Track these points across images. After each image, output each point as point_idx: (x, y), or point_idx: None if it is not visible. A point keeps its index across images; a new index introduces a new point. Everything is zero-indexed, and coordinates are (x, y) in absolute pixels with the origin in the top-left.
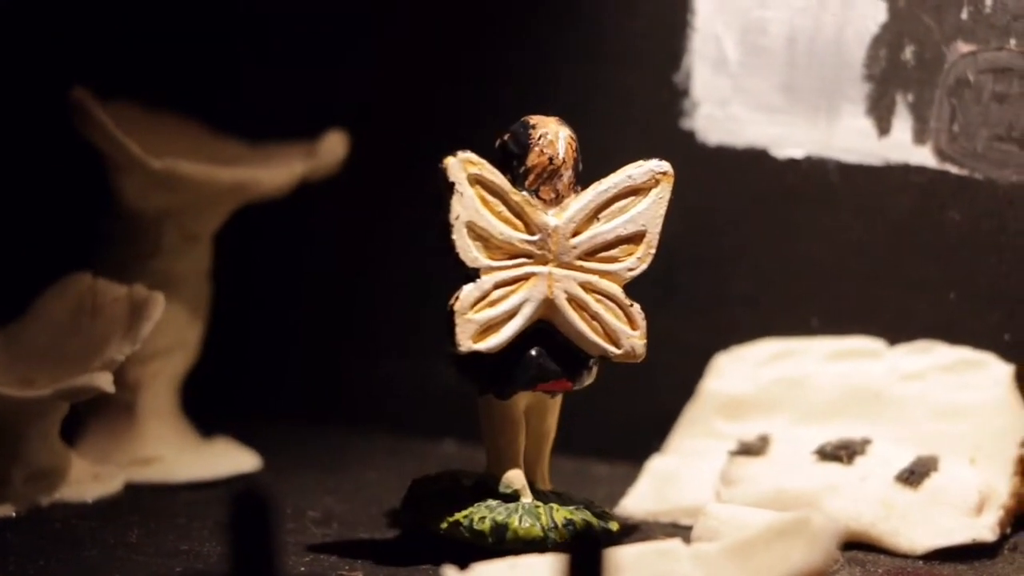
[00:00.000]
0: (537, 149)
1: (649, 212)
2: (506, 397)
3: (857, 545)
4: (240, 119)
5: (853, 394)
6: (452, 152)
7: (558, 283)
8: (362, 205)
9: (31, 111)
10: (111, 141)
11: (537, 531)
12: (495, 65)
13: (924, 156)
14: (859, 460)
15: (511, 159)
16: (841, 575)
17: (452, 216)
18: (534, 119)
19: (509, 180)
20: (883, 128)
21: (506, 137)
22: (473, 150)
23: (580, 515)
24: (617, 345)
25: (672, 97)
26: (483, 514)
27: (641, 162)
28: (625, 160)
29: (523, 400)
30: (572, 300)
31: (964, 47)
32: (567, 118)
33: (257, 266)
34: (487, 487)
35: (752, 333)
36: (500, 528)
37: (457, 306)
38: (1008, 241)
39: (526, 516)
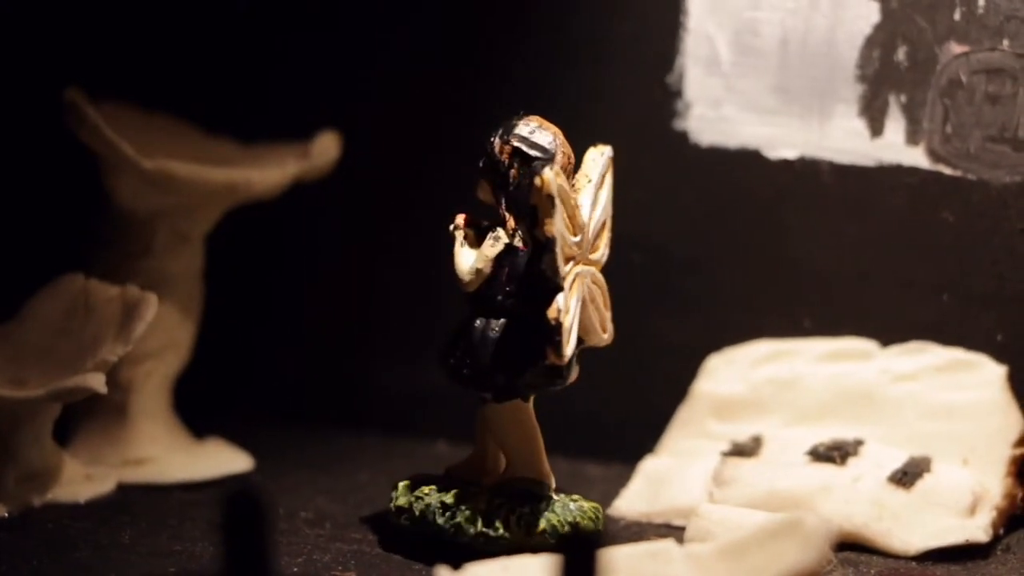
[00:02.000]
0: (561, 150)
1: (608, 198)
2: (528, 398)
3: (850, 546)
4: (233, 120)
5: (846, 395)
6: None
7: (585, 279)
8: (355, 206)
9: (24, 111)
10: (104, 142)
11: (593, 524)
12: (488, 67)
13: (917, 157)
14: (852, 461)
15: (529, 161)
16: None
17: (556, 230)
18: (535, 120)
19: (514, 184)
20: (876, 129)
21: (515, 143)
22: (467, 152)
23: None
24: (604, 330)
25: (665, 98)
26: (556, 519)
27: (601, 149)
28: (617, 161)
29: None
30: (588, 294)
31: (957, 48)
32: (560, 119)
33: (249, 267)
34: (520, 490)
35: (745, 334)
36: (575, 527)
37: (563, 318)
38: (1001, 242)
39: (578, 511)
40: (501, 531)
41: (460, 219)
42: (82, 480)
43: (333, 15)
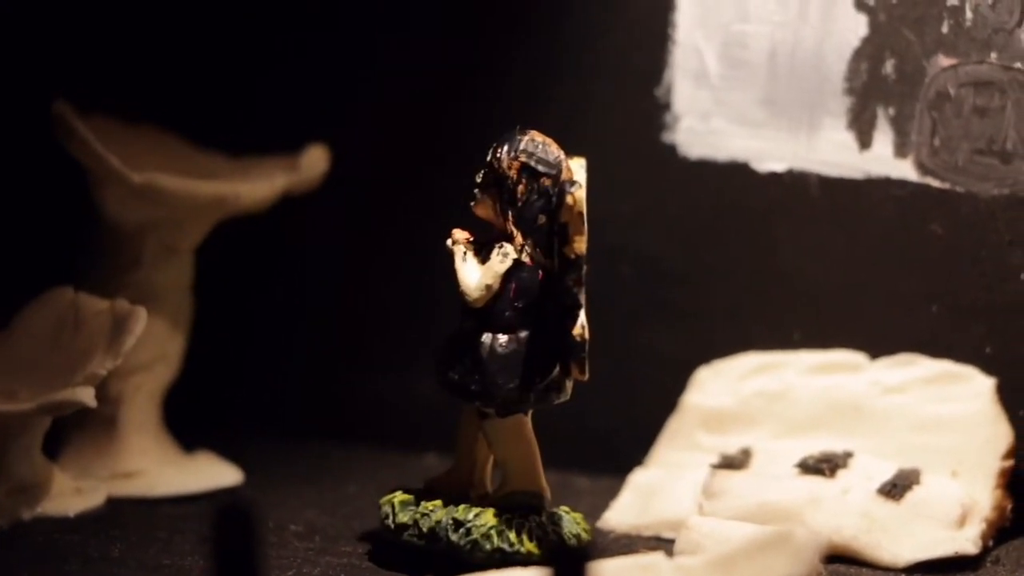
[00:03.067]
0: (565, 164)
1: None
2: (527, 412)
3: (839, 558)
4: (221, 132)
5: (835, 407)
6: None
7: None
8: (344, 220)
9: (12, 125)
10: (92, 155)
11: (588, 536)
12: (478, 80)
13: (905, 170)
14: (841, 473)
15: (537, 177)
16: None
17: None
18: (537, 136)
19: (523, 199)
20: (864, 142)
21: (523, 159)
22: (456, 164)
23: None
24: None
25: (653, 111)
26: (565, 531)
27: (579, 161)
28: (606, 174)
29: None
30: None
31: (945, 60)
32: (549, 131)
33: (239, 280)
34: (521, 504)
35: (734, 347)
36: (577, 537)
37: (587, 335)
38: (989, 254)
39: (572, 521)
40: (518, 546)
41: (460, 235)
42: (72, 493)
43: (322, 29)
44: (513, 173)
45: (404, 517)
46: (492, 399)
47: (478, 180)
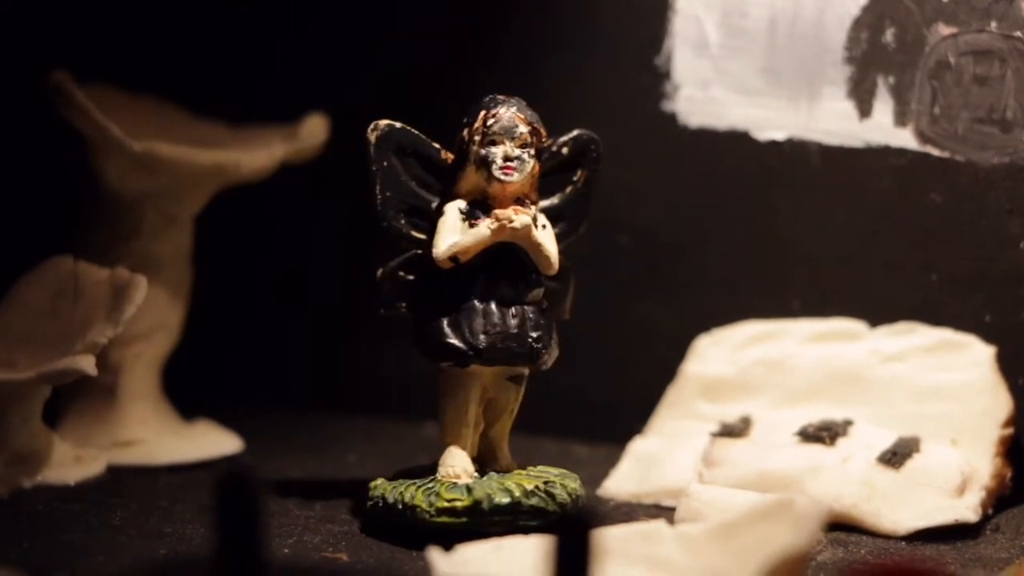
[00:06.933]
0: None
1: None
2: None
3: (840, 526)
4: (221, 102)
5: (834, 376)
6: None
7: None
8: (342, 189)
9: (11, 94)
10: (92, 124)
11: None
12: (477, 49)
13: (905, 138)
14: (841, 441)
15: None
16: (824, 556)
17: None
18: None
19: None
20: (864, 110)
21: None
22: (453, 134)
23: None
24: None
25: (653, 79)
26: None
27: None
28: (606, 143)
29: None
30: None
31: (945, 29)
32: (549, 100)
33: (239, 249)
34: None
35: (733, 315)
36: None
37: None
38: (989, 223)
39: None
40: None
41: (534, 209)
42: (72, 462)
43: None
44: (546, 139)
45: (455, 497)
46: (538, 358)
47: (517, 153)
